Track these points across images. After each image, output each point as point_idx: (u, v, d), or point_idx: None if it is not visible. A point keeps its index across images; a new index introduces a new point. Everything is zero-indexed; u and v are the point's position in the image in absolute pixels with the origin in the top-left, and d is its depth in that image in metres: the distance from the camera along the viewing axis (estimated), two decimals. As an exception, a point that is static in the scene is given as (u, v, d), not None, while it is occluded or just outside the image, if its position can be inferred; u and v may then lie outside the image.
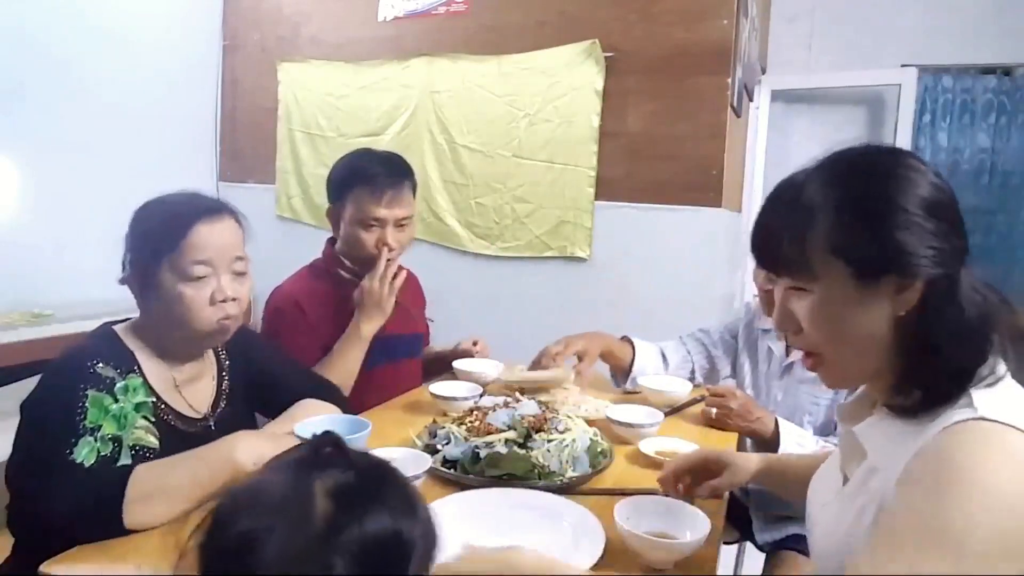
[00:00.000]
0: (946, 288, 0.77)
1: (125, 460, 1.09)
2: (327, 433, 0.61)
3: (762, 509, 1.77)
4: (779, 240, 0.83)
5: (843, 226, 0.79)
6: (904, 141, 3.51)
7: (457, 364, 1.86)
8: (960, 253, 0.78)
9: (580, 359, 1.77)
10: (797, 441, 1.56)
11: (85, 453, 1.04)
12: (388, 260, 1.73)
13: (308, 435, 1.25)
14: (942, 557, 0.67)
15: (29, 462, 1.05)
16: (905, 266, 0.77)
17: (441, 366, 1.97)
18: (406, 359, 1.91)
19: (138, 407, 1.13)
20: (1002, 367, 0.77)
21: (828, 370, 0.86)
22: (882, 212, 0.78)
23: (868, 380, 0.87)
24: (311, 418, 1.30)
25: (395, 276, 1.71)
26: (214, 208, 1.19)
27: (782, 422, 1.58)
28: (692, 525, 1.02)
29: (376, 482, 0.59)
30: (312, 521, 0.53)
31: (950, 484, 0.69)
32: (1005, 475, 0.68)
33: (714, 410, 1.62)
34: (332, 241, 1.88)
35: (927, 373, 0.77)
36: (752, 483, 1.22)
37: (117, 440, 1.09)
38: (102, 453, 1.06)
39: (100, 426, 1.07)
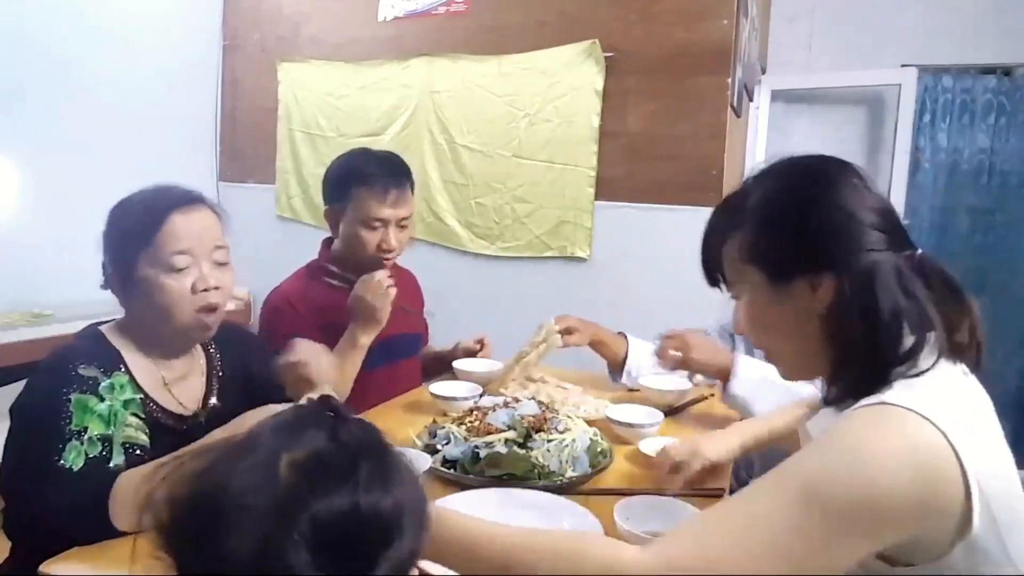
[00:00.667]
0: (858, 286, 0.79)
1: (118, 459, 1.09)
2: (324, 398, 0.60)
3: None
4: (708, 253, 0.92)
5: (752, 234, 0.85)
6: (904, 141, 3.51)
7: (457, 364, 1.86)
8: (880, 250, 0.80)
9: (570, 333, 1.80)
10: (760, 373, 1.52)
11: (73, 457, 1.04)
12: (383, 268, 1.72)
13: None
14: (783, 491, 0.70)
15: (20, 468, 1.05)
16: (812, 267, 0.81)
17: (441, 366, 1.96)
18: (405, 359, 1.91)
19: (126, 404, 1.12)
20: (929, 361, 0.78)
21: (777, 364, 0.93)
22: (786, 220, 0.83)
23: (816, 375, 0.91)
24: None
25: (390, 285, 1.68)
26: (189, 198, 1.18)
27: (741, 356, 1.59)
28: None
29: (351, 455, 0.55)
30: (271, 492, 0.52)
31: (824, 441, 0.73)
32: (883, 448, 0.69)
33: (678, 353, 1.61)
34: (328, 242, 1.88)
35: (848, 364, 0.81)
36: (741, 455, 1.29)
37: (106, 439, 1.08)
38: (90, 455, 1.06)
39: (86, 428, 1.06)
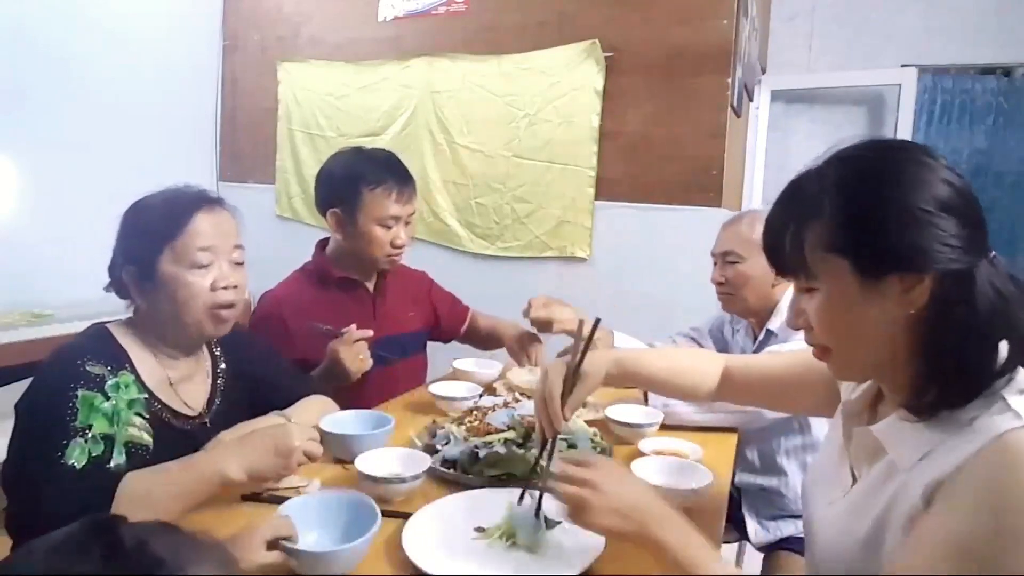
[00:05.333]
0: (957, 286, 0.74)
1: (118, 459, 1.09)
2: (97, 521, 0.50)
3: (752, 510, 1.78)
4: (782, 240, 0.83)
5: (843, 225, 0.77)
6: (904, 141, 3.51)
7: (457, 364, 1.87)
8: (975, 249, 0.75)
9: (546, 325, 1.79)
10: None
11: (76, 455, 1.04)
12: (394, 264, 1.81)
13: (335, 429, 1.28)
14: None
15: (22, 465, 1.06)
16: (910, 265, 0.74)
17: (492, 341, 2.08)
18: (405, 359, 1.91)
19: (131, 404, 1.13)
20: None
21: (835, 363, 0.86)
22: (884, 210, 0.75)
23: (876, 375, 0.87)
24: (337, 414, 1.32)
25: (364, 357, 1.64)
26: (212, 199, 1.22)
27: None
28: (696, 479, 1.18)
29: None
30: None
31: (1012, 533, 0.66)
32: None
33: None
34: (323, 244, 1.87)
35: (942, 373, 0.75)
36: (608, 383, 1.20)
37: (109, 439, 1.09)
38: (93, 454, 1.06)
39: (90, 426, 1.07)
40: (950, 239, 0.73)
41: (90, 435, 1.07)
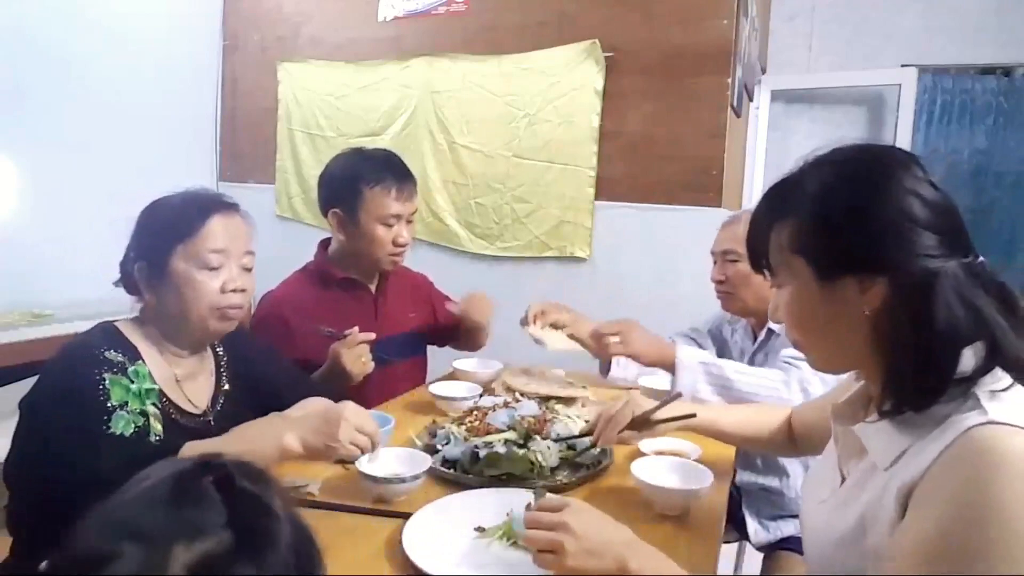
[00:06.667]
0: (915, 290, 0.75)
1: (153, 437, 1.12)
2: (215, 463, 0.52)
3: (753, 510, 1.78)
4: (756, 238, 0.88)
5: (804, 227, 0.81)
6: (904, 141, 3.51)
7: (457, 364, 1.87)
8: (939, 255, 0.76)
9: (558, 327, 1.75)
10: (700, 359, 1.54)
11: (122, 425, 1.07)
12: (396, 264, 1.80)
13: None
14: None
15: (61, 441, 1.04)
16: (864, 268, 0.78)
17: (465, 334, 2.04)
18: (406, 359, 1.91)
19: (147, 393, 1.15)
20: (1007, 378, 0.73)
21: (808, 356, 0.90)
22: (840, 215, 0.79)
23: (850, 370, 0.90)
24: None
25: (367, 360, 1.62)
26: (228, 203, 1.25)
27: (682, 346, 1.60)
28: (697, 480, 1.17)
29: (257, 548, 0.47)
30: None
31: (980, 525, 0.66)
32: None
33: (616, 338, 1.60)
34: (325, 244, 1.88)
35: (901, 373, 0.77)
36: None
37: (145, 414, 1.11)
38: (137, 425, 1.09)
39: (127, 402, 1.10)
40: (906, 245, 0.76)
41: (129, 409, 1.09)
